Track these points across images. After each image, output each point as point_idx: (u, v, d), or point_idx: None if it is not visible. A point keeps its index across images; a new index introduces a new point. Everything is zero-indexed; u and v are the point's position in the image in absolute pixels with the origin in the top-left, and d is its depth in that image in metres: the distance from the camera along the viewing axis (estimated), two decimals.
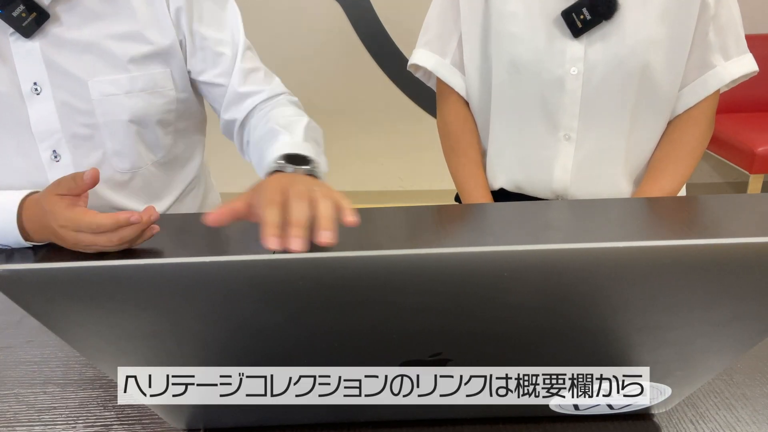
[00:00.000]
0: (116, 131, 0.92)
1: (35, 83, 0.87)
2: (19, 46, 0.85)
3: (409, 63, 1.18)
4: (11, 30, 0.84)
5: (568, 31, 1.01)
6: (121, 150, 0.93)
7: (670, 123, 1.11)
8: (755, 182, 2.43)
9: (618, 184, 1.11)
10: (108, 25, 0.88)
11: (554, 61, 1.03)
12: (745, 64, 1.05)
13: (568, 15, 1.01)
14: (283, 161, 0.73)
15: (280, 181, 0.64)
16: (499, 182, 1.16)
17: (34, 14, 0.83)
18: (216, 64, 0.96)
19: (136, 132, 0.93)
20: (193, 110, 1.02)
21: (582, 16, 1.00)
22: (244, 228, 0.90)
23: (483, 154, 1.19)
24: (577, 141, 1.08)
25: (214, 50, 0.95)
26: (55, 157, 0.90)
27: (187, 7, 0.92)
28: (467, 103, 1.17)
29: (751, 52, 1.07)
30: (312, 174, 0.73)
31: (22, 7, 0.82)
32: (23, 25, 0.83)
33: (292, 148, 0.78)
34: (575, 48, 1.02)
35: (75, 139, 0.90)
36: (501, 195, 1.18)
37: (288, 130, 0.87)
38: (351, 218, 0.58)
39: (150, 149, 0.97)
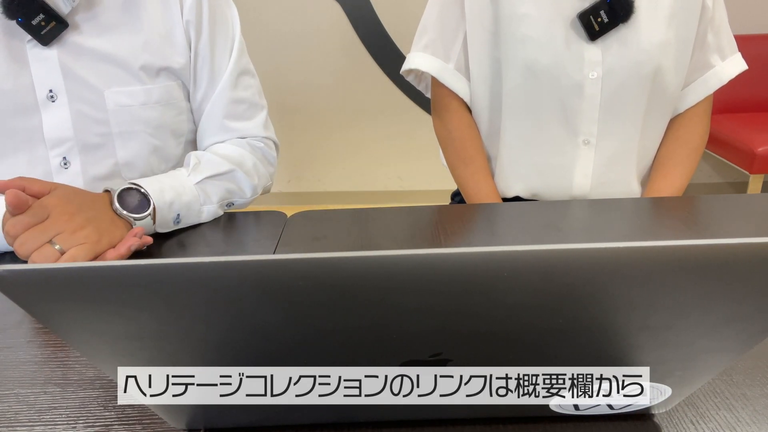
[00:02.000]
0: (130, 141, 0.91)
1: (51, 90, 0.87)
2: (36, 54, 0.85)
3: (405, 67, 1.13)
4: (29, 37, 0.84)
5: (584, 34, 0.99)
6: (132, 160, 0.93)
7: (672, 121, 1.12)
8: (755, 182, 2.43)
9: (630, 185, 1.11)
10: (126, 36, 0.88)
11: (574, 65, 1.01)
12: (738, 63, 1.09)
13: (585, 18, 0.98)
14: (118, 191, 0.80)
15: (71, 199, 0.74)
16: (514, 190, 1.13)
17: (53, 23, 0.83)
18: (200, 87, 0.96)
19: (150, 143, 0.93)
20: None
21: (599, 19, 0.97)
22: (244, 228, 0.90)
23: (489, 161, 1.15)
24: (596, 146, 1.06)
25: (203, 73, 0.95)
26: (65, 164, 0.90)
27: (196, 21, 0.92)
28: (469, 110, 1.14)
29: (750, 52, 1.09)
30: (140, 218, 0.80)
31: (41, 15, 0.82)
32: (42, 33, 0.83)
33: (154, 187, 0.83)
34: (593, 51, 1.00)
35: (87, 147, 0.90)
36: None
37: (196, 169, 0.90)
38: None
39: (162, 160, 0.96)
